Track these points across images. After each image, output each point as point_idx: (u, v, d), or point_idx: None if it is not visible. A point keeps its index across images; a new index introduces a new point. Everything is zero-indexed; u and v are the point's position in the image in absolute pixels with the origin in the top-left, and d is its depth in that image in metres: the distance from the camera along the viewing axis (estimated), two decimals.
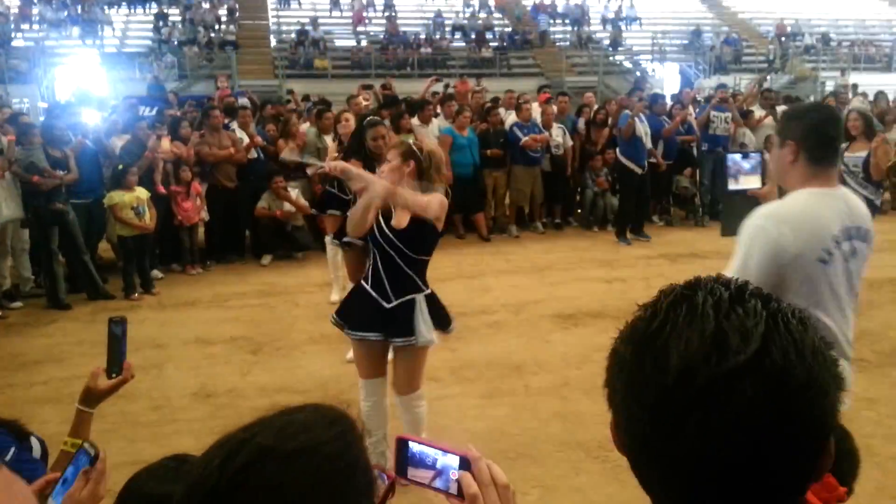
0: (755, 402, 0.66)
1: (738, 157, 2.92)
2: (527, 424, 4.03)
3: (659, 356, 0.69)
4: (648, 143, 8.19)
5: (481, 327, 5.53)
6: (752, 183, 2.70)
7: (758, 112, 9.71)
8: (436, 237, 3.23)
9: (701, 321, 0.69)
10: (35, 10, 21.55)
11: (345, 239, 4.95)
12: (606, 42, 23.41)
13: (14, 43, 19.83)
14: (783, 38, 24.11)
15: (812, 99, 14.19)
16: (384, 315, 3.20)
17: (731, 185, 2.74)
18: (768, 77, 19.64)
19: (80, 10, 21.58)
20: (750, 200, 2.56)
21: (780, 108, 9.83)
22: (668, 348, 0.69)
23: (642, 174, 8.13)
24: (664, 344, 0.69)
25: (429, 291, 3.28)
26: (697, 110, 9.58)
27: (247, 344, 5.35)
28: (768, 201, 2.32)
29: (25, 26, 21.01)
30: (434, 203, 3.07)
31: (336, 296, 5.95)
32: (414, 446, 0.93)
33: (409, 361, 3.28)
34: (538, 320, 5.72)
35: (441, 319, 3.31)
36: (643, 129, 8.05)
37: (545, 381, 4.61)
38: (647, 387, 0.70)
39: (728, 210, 4.07)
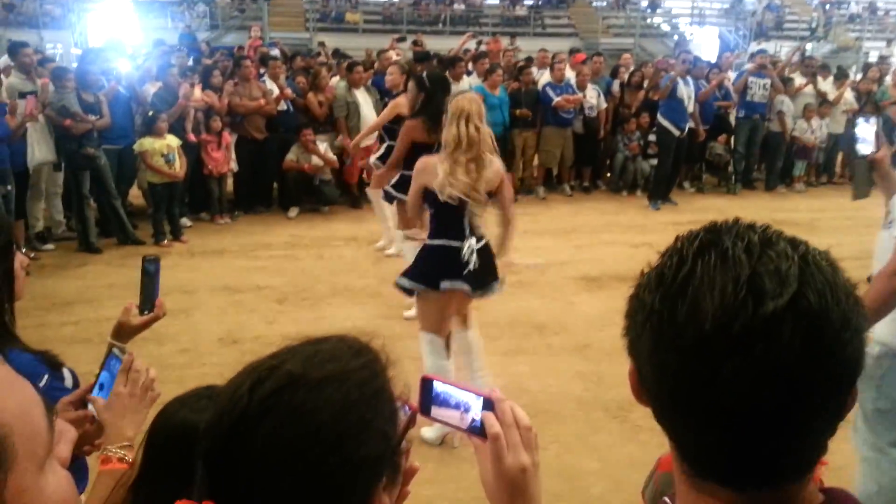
0: (794, 345, 0.64)
1: (865, 121, 2.90)
2: (547, 382, 4.05)
3: (692, 304, 0.67)
4: (691, 107, 7.98)
5: (506, 287, 5.51)
6: (868, 148, 2.74)
7: (798, 80, 9.45)
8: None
9: (734, 266, 0.67)
10: None
11: (388, 190, 4.98)
12: (644, 3, 22.80)
13: None
14: (827, 6, 23.29)
15: (854, 69, 13.74)
16: (461, 262, 3.31)
17: (861, 150, 2.75)
18: (809, 45, 19.05)
19: None
20: (868, 164, 2.71)
21: (821, 76, 9.58)
22: (701, 295, 0.67)
23: (680, 138, 7.96)
24: (696, 291, 0.67)
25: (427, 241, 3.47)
26: (735, 75, 9.33)
27: (273, 293, 5.41)
28: (884, 165, 2.44)
29: None
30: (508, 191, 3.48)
31: (384, 241, 6.24)
32: (438, 385, 0.93)
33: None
34: (563, 282, 5.71)
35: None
36: (686, 91, 7.84)
37: (567, 341, 4.62)
38: (680, 336, 0.68)
39: (858, 174, 4.12)
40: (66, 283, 5.60)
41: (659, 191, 8.25)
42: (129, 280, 1.86)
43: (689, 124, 8.08)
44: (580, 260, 6.24)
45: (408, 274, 3.42)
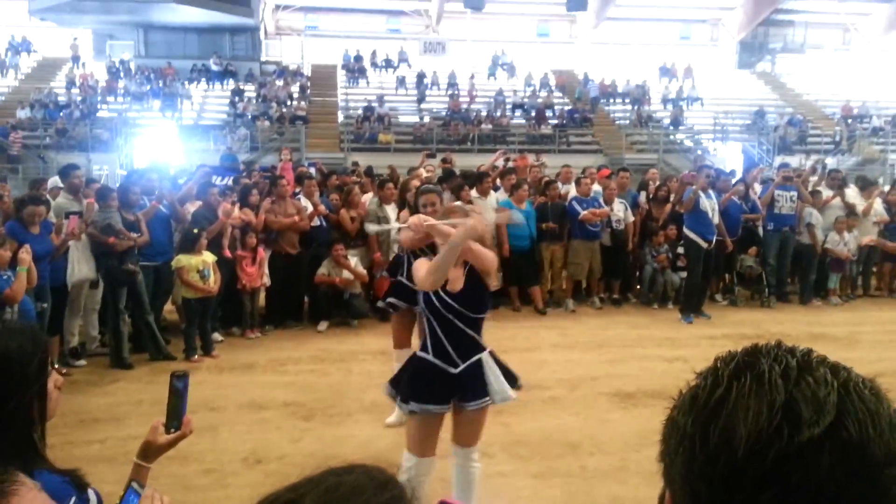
0: (833, 477, 0.61)
1: None
2: None
3: (725, 429, 0.65)
4: (716, 219, 8.02)
5: (535, 402, 5.38)
6: None
7: (825, 192, 9.49)
8: (489, 294, 3.25)
9: (769, 391, 0.65)
10: (120, 84, 23.13)
11: (388, 300, 4.97)
12: (667, 121, 23.49)
13: (99, 114, 21.24)
14: (849, 120, 23.74)
15: (881, 180, 13.80)
16: (451, 382, 3.14)
17: None
18: (834, 159, 19.28)
19: (161, 85, 23.04)
20: None
21: (848, 189, 9.61)
22: (734, 420, 0.65)
23: (708, 249, 7.95)
24: (730, 415, 0.65)
25: (489, 349, 3.26)
26: (762, 189, 9.42)
27: (299, 409, 5.33)
28: None
29: (111, 99, 22.53)
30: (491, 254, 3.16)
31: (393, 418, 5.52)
32: None
33: (477, 418, 3.22)
34: (595, 398, 5.55)
35: (508, 376, 3.27)
36: (710, 204, 7.92)
37: (603, 462, 4.42)
38: (713, 462, 0.65)
39: None
40: (95, 400, 5.60)
41: (690, 304, 8.15)
42: (157, 397, 1.85)
43: (717, 236, 8.09)
44: (613, 375, 6.09)
45: (409, 392, 3.22)
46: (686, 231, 8.03)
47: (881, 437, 0.63)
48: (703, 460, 0.66)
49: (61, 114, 20.52)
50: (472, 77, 25.45)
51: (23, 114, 20.55)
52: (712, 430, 0.66)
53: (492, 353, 3.27)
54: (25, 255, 4.86)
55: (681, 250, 8.53)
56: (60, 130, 19.54)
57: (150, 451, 1.77)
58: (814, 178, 10.05)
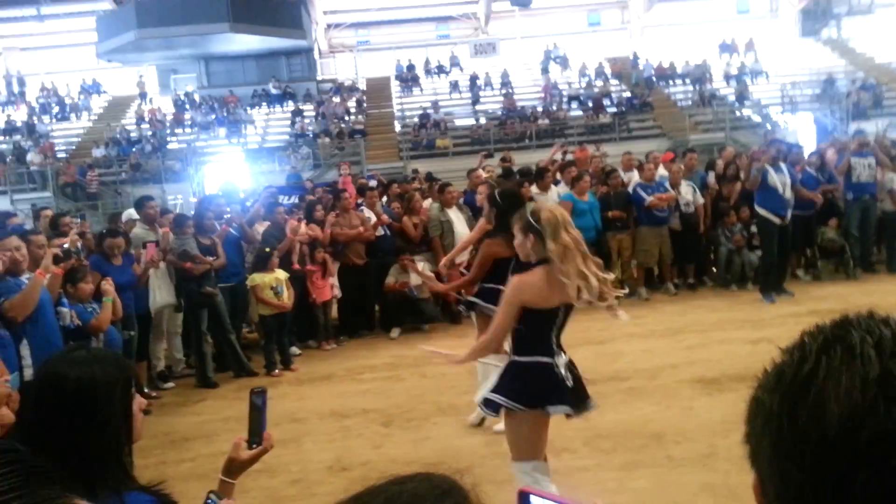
0: None
1: None
2: (672, 498, 3.74)
3: (815, 406, 0.61)
4: (788, 194, 7.69)
5: (615, 394, 5.28)
6: None
7: None
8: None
9: (862, 364, 0.60)
10: (187, 116, 24.07)
11: (469, 299, 4.94)
12: (731, 98, 22.72)
13: (169, 146, 22.17)
14: None
15: None
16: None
17: None
18: None
19: (225, 113, 23.85)
20: None
21: None
22: (825, 397, 0.60)
23: (783, 225, 7.63)
24: (820, 392, 0.61)
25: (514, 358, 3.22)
26: (838, 158, 8.98)
27: (378, 416, 5.40)
28: None
29: (179, 130, 23.48)
30: (494, 326, 3.15)
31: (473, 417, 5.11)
32: (536, 500, 0.86)
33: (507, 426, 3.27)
34: (676, 386, 5.40)
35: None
36: (780, 179, 7.59)
37: (689, 450, 4.29)
38: (803, 442, 0.61)
39: None
40: (184, 420, 5.82)
41: (769, 282, 7.84)
42: (243, 413, 1.90)
43: (792, 211, 7.74)
44: (694, 361, 5.92)
45: (501, 391, 3.16)
46: (757, 208, 7.74)
47: None
48: (791, 440, 0.62)
49: (134, 149, 21.52)
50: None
51: (98, 152, 21.64)
52: (801, 407, 0.62)
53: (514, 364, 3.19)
54: (108, 286, 5.10)
55: (755, 229, 8.22)
56: (134, 165, 20.50)
57: (233, 467, 1.81)
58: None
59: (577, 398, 3.17)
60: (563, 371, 3.12)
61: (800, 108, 21.74)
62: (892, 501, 0.57)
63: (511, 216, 3.58)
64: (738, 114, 21.72)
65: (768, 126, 19.61)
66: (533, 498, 0.86)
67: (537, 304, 3.05)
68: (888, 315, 0.67)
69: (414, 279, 7.68)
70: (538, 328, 3.11)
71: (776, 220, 7.59)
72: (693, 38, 28.48)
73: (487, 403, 3.19)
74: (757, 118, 21.58)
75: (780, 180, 7.56)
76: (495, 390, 3.16)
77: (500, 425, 4.65)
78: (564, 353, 3.20)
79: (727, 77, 24.36)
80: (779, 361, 0.68)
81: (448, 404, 5.41)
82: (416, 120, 22.78)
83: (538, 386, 3.12)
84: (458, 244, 7.10)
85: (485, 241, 4.70)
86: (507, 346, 3.44)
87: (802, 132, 18.80)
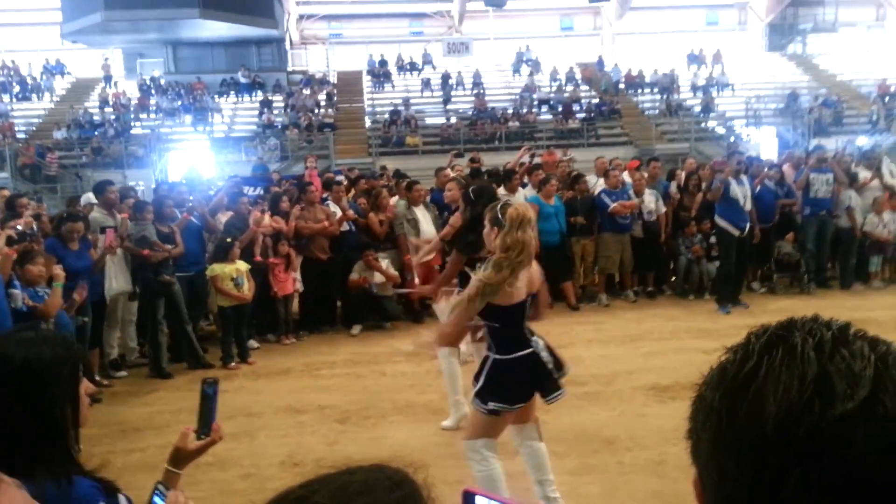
0: (868, 454, 0.58)
1: None
2: None
3: (754, 403, 0.63)
4: (748, 206, 7.85)
5: (571, 399, 5.24)
6: None
7: (862, 174, 9.24)
8: (487, 311, 3.25)
9: (801, 364, 0.62)
10: (152, 101, 23.61)
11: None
12: (697, 109, 23.12)
13: (133, 131, 21.72)
14: (886, 98, 23.08)
15: None
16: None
17: None
18: (871, 137, 18.79)
19: (192, 100, 23.46)
20: None
21: (886, 167, 9.33)
22: (764, 394, 0.62)
23: (741, 237, 7.79)
24: (759, 389, 0.63)
25: (496, 357, 3.32)
26: (797, 173, 9.20)
27: (335, 413, 5.37)
28: None
29: (143, 115, 23.01)
30: (457, 310, 3.27)
31: (449, 422, 4.96)
32: (481, 501, 0.87)
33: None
34: (631, 392, 5.48)
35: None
36: (741, 191, 7.75)
37: (640, 457, 4.36)
38: (741, 438, 0.63)
39: None
40: (136, 410, 5.71)
41: (726, 293, 8.00)
42: (195, 405, 1.87)
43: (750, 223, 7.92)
44: (649, 368, 6.01)
45: (495, 396, 3.22)
46: (717, 219, 7.89)
47: None
48: (730, 436, 0.64)
49: (96, 133, 21.03)
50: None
51: (59, 134, 21.12)
52: (740, 404, 0.64)
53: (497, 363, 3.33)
54: (59, 271, 4.97)
55: (714, 240, 8.38)
56: (96, 149, 20.03)
57: (180, 457, 1.78)
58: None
59: (558, 369, 3.35)
60: (544, 354, 3.28)
61: (763, 122, 22.24)
62: (823, 495, 0.59)
63: (483, 209, 3.68)
64: (703, 125, 22.11)
65: (732, 138, 20.00)
66: (478, 498, 0.86)
67: (507, 300, 3.17)
68: (832, 319, 0.69)
69: (377, 277, 7.66)
70: (512, 323, 3.26)
71: (735, 231, 7.74)
72: (662, 47, 28.94)
73: (490, 411, 3.28)
74: (721, 130, 22.01)
75: (742, 192, 7.72)
76: (492, 398, 3.25)
77: (448, 422, 4.71)
78: (535, 334, 3.36)
79: (694, 88, 24.79)
80: (723, 359, 0.70)
81: (406, 403, 5.40)
82: (386, 116, 22.70)
83: (527, 381, 3.28)
84: (424, 241, 7.11)
85: (453, 253, 4.77)
86: (467, 345, 3.53)
87: (765, 146, 19.25)
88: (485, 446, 3.30)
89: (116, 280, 6.46)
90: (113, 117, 22.13)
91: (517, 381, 3.29)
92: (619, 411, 5.12)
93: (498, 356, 3.29)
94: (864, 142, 17.64)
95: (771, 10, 29.53)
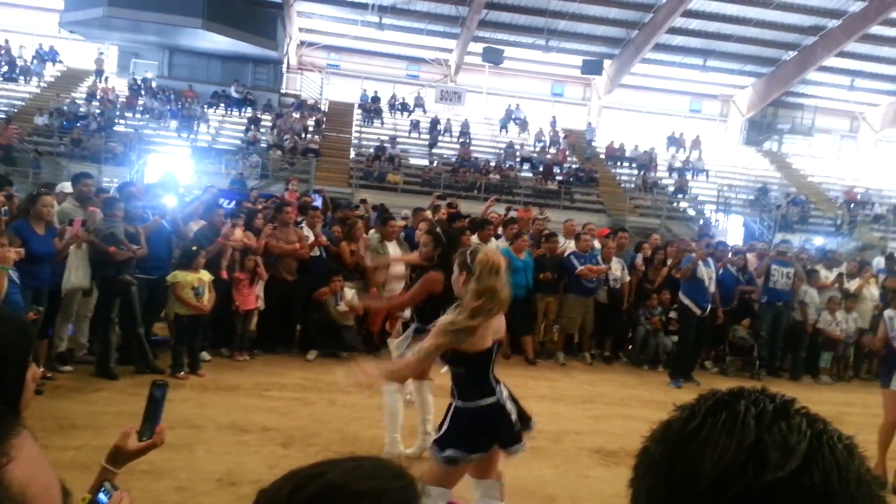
0: None
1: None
2: None
3: (692, 461, 0.66)
4: (712, 288, 8.06)
5: None
6: None
7: (823, 273, 9.56)
8: (452, 356, 3.19)
9: (741, 430, 0.66)
10: (141, 101, 23.49)
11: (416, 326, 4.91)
12: (671, 188, 23.74)
13: (116, 128, 21.52)
14: (852, 205, 24.01)
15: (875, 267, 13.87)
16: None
17: None
18: (834, 240, 19.47)
19: (180, 106, 23.40)
20: None
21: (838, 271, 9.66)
22: (702, 453, 0.66)
23: (701, 317, 7.98)
24: (699, 448, 0.66)
25: (458, 404, 3.25)
26: (759, 262, 9.50)
27: (279, 436, 5.29)
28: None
29: (129, 114, 22.85)
30: (421, 352, 3.12)
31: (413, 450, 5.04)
32: None
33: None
34: (577, 452, 5.51)
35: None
36: (707, 273, 7.97)
37: None
38: (675, 492, 0.66)
39: None
40: (76, 407, 5.56)
41: (680, 368, 8.14)
42: (139, 409, 1.86)
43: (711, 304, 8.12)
44: (597, 431, 6.06)
45: (454, 443, 3.15)
46: (681, 296, 8.07)
47: (846, 490, 0.63)
48: (665, 490, 0.67)
49: (78, 124, 20.79)
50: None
51: (40, 120, 20.83)
52: (679, 460, 0.67)
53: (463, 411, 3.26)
54: (12, 254, 4.81)
55: (674, 315, 8.56)
56: (76, 140, 19.78)
57: (119, 457, 1.76)
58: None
59: (522, 422, 3.28)
60: (508, 405, 3.21)
61: (733, 211, 22.90)
62: None
63: (452, 253, 3.68)
64: (675, 205, 22.68)
65: (701, 221, 20.54)
66: None
67: (475, 346, 3.12)
68: (777, 393, 0.73)
69: (341, 305, 7.65)
70: (478, 369, 3.18)
71: (697, 310, 7.93)
72: (645, 126, 29.88)
73: (447, 459, 3.17)
74: (692, 212, 22.60)
75: (707, 274, 7.95)
76: (452, 445, 3.16)
77: (411, 450, 4.64)
78: (500, 383, 3.30)
79: (670, 168, 25.50)
80: (671, 415, 0.74)
81: (352, 435, 5.36)
82: (371, 150, 22.88)
83: (489, 429, 3.18)
84: (392, 277, 7.14)
85: (429, 274, 4.73)
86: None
87: (732, 233, 19.78)
88: (440, 496, 3.13)
89: (75, 274, 6.34)
90: (98, 111, 21.94)
91: (478, 429, 3.19)
92: (563, 469, 5.13)
93: (461, 403, 3.22)
94: (820, 242, 18.28)
95: (752, 106, 30.73)
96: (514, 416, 3.23)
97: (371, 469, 0.86)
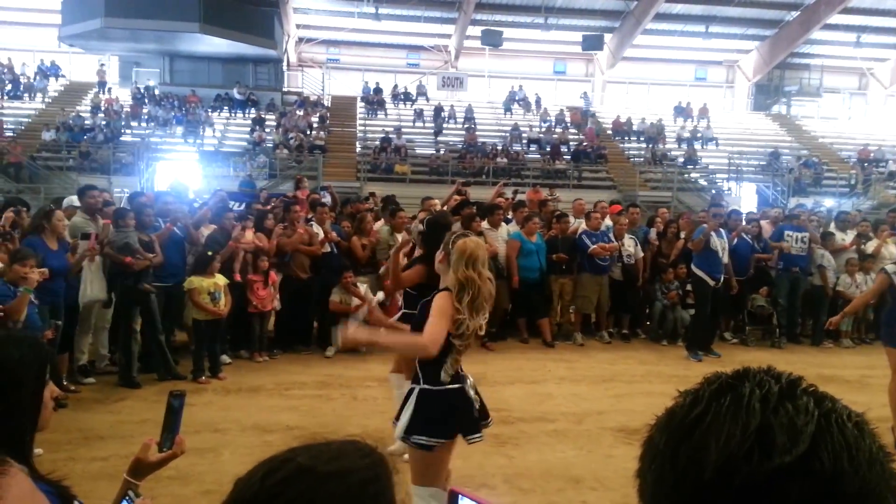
0: None
1: None
2: None
3: (697, 448, 0.65)
4: (725, 258, 7.99)
5: (540, 435, 5.35)
6: None
7: (839, 235, 9.45)
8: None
9: (746, 414, 0.65)
10: (145, 110, 23.60)
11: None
12: (681, 160, 23.54)
13: (122, 138, 21.65)
14: (865, 164, 23.68)
15: None
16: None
17: None
18: (849, 200, 19.24)
19: (185, 112, 23.48)
20: None
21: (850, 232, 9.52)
22: (707, 440, 0.64)
23: (716, 287, 7.92)
24: (703, 435, 0.65)
25: (425, 387, 3.18)
26: (774, 230, 9.40)
27: (302, 434, 5.33)
28: None
29: (134, 123, 22.97)
30: (431, 331, 3.02)
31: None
32: (465, 502, 0.96)
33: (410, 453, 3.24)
34: (600, 432, 5.50)
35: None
36: (720, 243, 7.90)
37: (605, 498, 4.37)
38: (682, 482, 0.65)
39: None
40: (101, 418, 5.63)
41: (698, 341, 8.10)
42: (162, 417, 1.87)
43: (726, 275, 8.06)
44: (619, 410, 6.05)
45: (423, 430, 3.12)
46: (694, 268, 8.01)
47: (857, 471, 0.62)
48: (671, 479, 0.65)
49: (85, 137, 20.93)
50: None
51: (47, 135, 20.98)
52: (684, 448, 0.65)
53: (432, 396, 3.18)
54: (34, 275, 4.78)
55: (689, 287, 8.50)
56: (84, 153, 19.92)
57: (140, 468, 1.77)
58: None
59: (482, 417, 3.26)
60: (472, 393, 3.20)
61: (745, 178, 22.67)
62: None
63: (435, 241, 3.66)
64: (686, 176, 22.50)
65: (714, 191, 20.36)
66: (461, 499, 0.94)
67: (451, 327, 3.09)
68: (783, 372, 0.71)
69: (354, 301, 7.66)
70: (447, 353, 3.14)
71: (711, 282, 7.87)
72: (651, 98, 29.59)
73: (420, 445, 3.13)
74: (704, 182, 22.40)
75: (720, 245, 7.87)
76: (420, 431, 3.13)
77: (394, 447, 4.66)
78: (466, 374, 3.26)
79: (679, 139, 25.26)
80: (673, 403, 0.72)
81: (375, 429, 5.38)
82: (377, 143, 22.86)
83: (454, 415, 3.16)
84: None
85: (418, 265, 4.70)
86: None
87: (746, 201, 19.60)
88: (433, 496, 3.09)
89: (91, 287, 6.40)
90: (104, 123, 22.07)
91: (446, 413, 3.15)
92: (586, 450, 5.14)
93: (427, 386, 3.16)
94: (830, 204, 18.14)
95: (758, 70, 30.34)
96: (477, 405, 3.20)
97: (339, 450, 0.91)
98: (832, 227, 9.74)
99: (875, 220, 10.15)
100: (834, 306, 9.17)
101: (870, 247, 9.35)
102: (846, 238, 9.48)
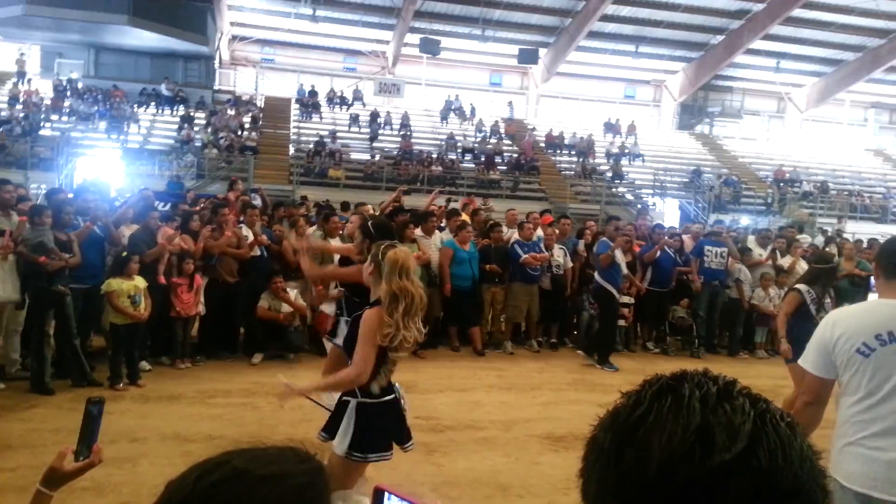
0: (739, 503, 0.63)
1: None
2: None
3: (640, 447, 0.66)
4: (625, 270, 8.38)
5: (468, 443, 5.38)
6: None
7: (756, 250, 9.90)
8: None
9: (686, 414, 0.67)
10: (67, 103, 22.58)
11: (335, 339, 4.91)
12: (609, 174, 24.21)
13: (42, 132, 20.64)
14: (781, 183, 24.93)
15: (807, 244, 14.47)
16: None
17: None
18: (765, 218, 20.22)
19: (109, 107, 22.59)
20: None
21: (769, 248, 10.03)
22: (650, 440, 0.66)
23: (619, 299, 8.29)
24: (646, 434, 0.67)
25: (363, 400, 3.17)
26: (694, 245, 9.77)
27: (225, 444, 5.18)
28: None
29: (55, 117, 21.94)
30: (360, 359, 3.05)
31: None
32: (390, 499, 0.96)
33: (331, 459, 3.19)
34: (527, 440, 5.58)
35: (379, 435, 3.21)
36: (621, 257, 8.30)
37: None
38: (625, 480, 0.67)
39: None
40: (10, 426, 5.34)
41: (608, 352, 8.27)
42: (77, 425, 1.79)
43: (649, 287, 8.39)
44: (546, 418, 6.15)
45: (367, 447, 3.13)
46: (600, 280, 8.21)
47: (790, 468, 0.65)
48: (615, 478, 0.67)
49: (1, 129, 19.85)
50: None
51: None
52: (628, 447, 0.67)
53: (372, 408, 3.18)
54: None
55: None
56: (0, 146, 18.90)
57: (55, 478, 1.69)
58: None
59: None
60: (403, 402, 3.23)
61: (668, 194, 23.49)
62: None
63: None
64: (613, 190, 23.14)
65: (639, 206, 21.00)
66: (388, 496, 0.94)
67: (384, 340, 3.10)
68: (720, 375, 0.74)
69: (284, 307, 7.53)
70: (381, 366, 3.14)
71: (615, 292, 8.18)
72: (582, 113, 30.38)
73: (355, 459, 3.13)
74: (630, 197, 23.09)
75: (621, 259, 8.30)
76: (362, 448, 3.12)
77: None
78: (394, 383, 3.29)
79: (608, 154, 25.98)
80: (617, 403, 0.74)
81: (303, 437, 5.28)
82: (311, 146, 22.56)
83: (390, 428, 3.18)
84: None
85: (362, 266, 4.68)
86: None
87: (668, 216, 20.30)
88: (341, 498, 3.06)
89: (3, 287, 6.06)
90: (22, 115, 20.98)
91: (385, 426, 3.16)
92: (514, 458, 5.19)
93: (365, 399, 3.15)
94: (746, 221, 19.12)
95: (683, 91, 31.55)
96: (407, 414, 3.24)
97: (275, 454, 0.89)
98: (750, 243, 10.20)
99: (788, 238, 10.68)
100: (749, 319, 9.61)
101: (785, 262, 9.84)
102: (763, 253, 9.94)
